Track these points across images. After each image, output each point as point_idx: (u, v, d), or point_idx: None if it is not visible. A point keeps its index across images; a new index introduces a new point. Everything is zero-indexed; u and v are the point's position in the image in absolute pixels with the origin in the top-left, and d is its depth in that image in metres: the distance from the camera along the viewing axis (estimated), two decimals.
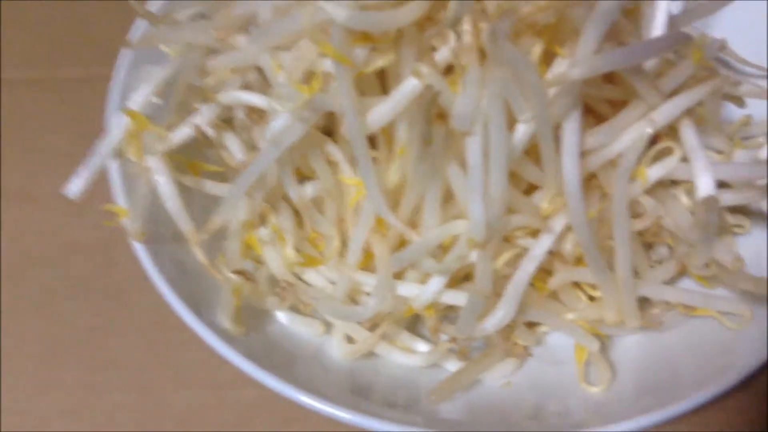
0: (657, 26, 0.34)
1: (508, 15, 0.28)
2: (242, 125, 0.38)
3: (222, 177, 0.39)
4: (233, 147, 0.38)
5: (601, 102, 0.34)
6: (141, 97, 0.37)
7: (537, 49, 0.31)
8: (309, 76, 0.33)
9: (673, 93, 0.33)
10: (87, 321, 0.44)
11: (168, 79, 0.37)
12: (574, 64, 0.29)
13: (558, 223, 0.33)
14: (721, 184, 0.34)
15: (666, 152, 0.34)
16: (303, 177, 0.37)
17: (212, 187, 0.39)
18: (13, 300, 0.45)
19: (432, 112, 0.31)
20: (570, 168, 0.32)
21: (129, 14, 0.38)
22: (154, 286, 0.35)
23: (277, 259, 0.37)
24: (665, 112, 0.33)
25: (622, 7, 0.30)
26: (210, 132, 0.37)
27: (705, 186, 0.33)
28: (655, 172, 0.34)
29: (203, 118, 0.37)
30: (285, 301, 0.36)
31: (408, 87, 0.32)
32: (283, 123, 0.33)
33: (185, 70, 0.36)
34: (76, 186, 0.36)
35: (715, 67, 0.36)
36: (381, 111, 0.33)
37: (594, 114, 0.35)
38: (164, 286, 0.35)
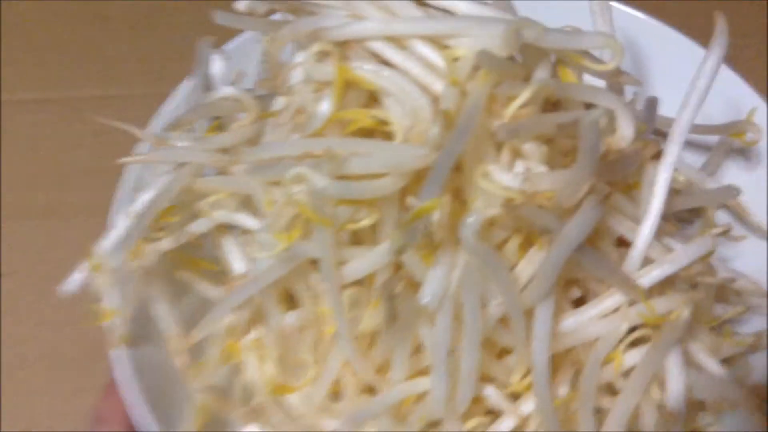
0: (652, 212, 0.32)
1: (477, 214, 0.28)
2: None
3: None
4: (232, 257, 0.38)
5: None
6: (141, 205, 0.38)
7: (512, 245, 0.30)
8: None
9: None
10: None
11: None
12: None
13: (526, 406, 0.33)
14: None
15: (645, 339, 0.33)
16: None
17: (205, 289, 0.40)
18: None
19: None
20: (539, 355, 0.31)
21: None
22: None
23: (257, 373, 0.38)
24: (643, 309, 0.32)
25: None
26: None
27: (675, 393, 0.31)
28: (630, 359, 0.33)
29: (198, 228, 0.38)
30: (250, 422, 0.37)
31: (386, 248, 0.32)
32: (265, 265, 0.34)
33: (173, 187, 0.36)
34: (71, 287, 0.37)
35: (712, 267, 0.34)
36: (357, 267, 0.33)
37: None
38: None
